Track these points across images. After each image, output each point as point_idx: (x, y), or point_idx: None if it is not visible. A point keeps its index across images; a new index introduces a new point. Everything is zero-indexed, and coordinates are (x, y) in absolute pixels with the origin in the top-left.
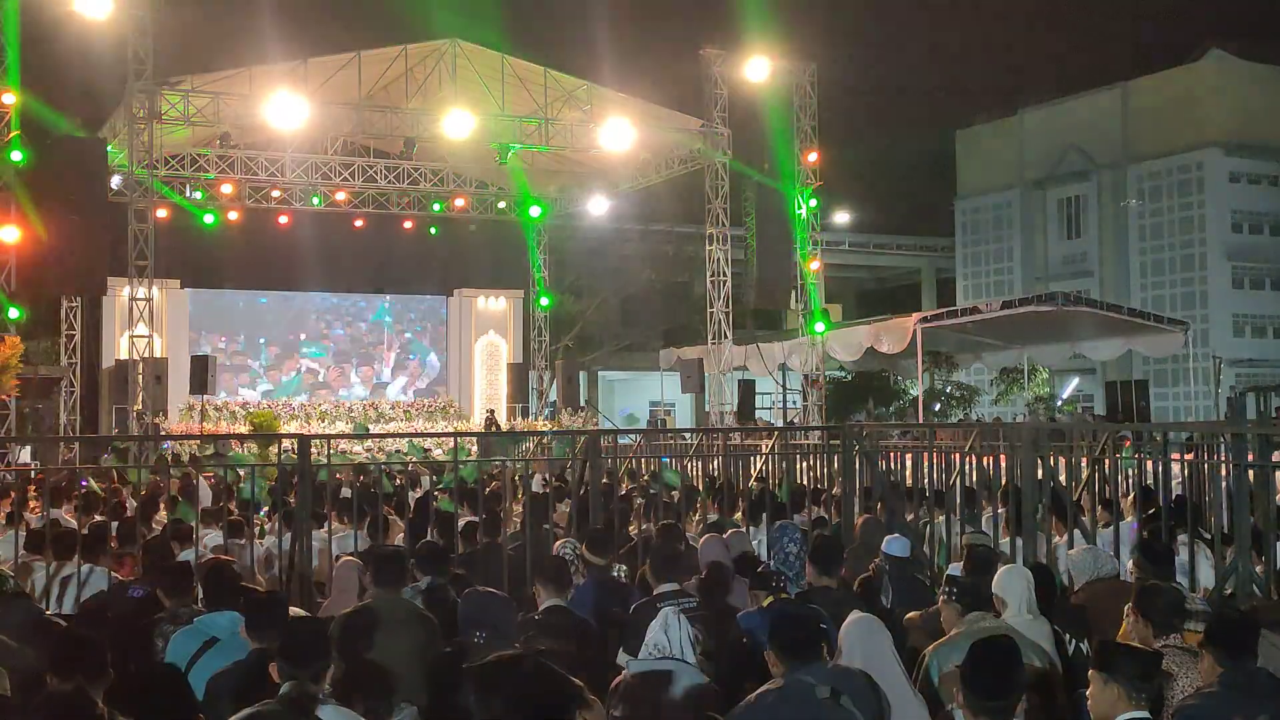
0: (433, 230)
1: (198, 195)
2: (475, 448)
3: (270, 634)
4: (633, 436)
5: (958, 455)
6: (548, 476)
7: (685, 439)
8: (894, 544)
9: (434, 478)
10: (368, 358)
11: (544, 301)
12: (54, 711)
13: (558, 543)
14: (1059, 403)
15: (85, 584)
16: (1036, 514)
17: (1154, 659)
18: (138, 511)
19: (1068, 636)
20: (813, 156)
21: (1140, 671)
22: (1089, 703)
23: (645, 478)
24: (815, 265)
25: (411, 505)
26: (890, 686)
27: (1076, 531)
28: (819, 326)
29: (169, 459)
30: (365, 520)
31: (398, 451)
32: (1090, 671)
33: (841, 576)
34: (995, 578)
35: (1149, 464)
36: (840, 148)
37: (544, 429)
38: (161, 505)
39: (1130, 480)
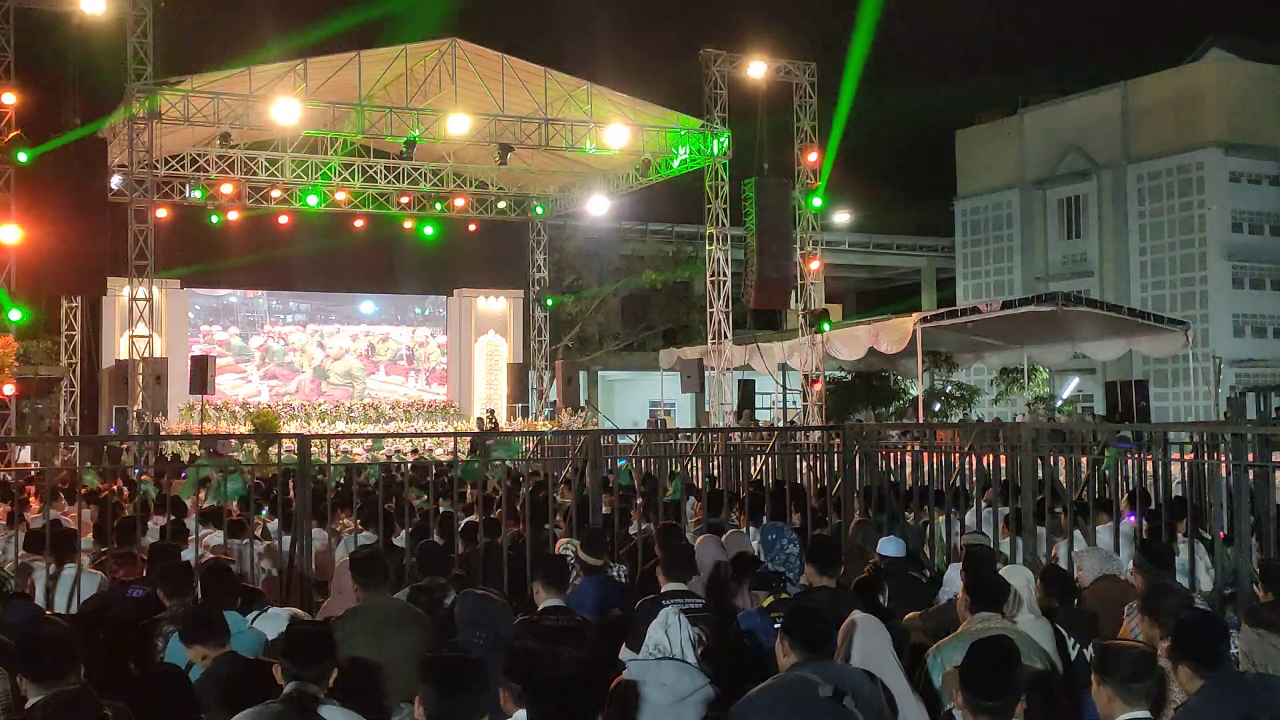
0: (430, 230)
1: (198, 195)
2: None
3: (210, 643)
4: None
5: (957, 455)
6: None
7: (686, 438)
8: (889, 544)
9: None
10: (367, 358)
11: (547, 301)
12: (56, 711)
13: (559, 542)
14: (1059, 403)
15: (75, 584)
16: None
17: (1145, 658)
18: (138, 511)
19: (1071, 641)
20: (813, 156)
21: (1131, 671)
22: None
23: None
24: (815, 265)
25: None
26: (890, 686)
27: (1077, 531)
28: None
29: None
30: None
31: (398, 452)
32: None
33: (839, 577)
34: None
35: (1149, 464)
36: (840, 148)
37: (544, 429)
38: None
39: (1129, 480)
